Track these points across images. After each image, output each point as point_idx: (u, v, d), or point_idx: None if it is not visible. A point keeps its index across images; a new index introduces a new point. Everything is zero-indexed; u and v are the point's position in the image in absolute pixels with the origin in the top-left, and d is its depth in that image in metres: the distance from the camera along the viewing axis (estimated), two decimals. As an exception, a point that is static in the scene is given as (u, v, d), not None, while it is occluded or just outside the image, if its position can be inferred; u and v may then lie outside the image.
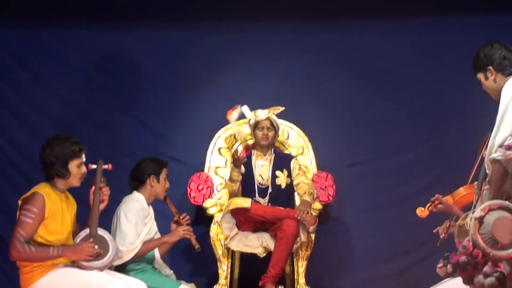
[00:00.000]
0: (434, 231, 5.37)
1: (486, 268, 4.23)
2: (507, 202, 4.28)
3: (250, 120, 6.90)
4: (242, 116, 6.93)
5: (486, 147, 4.88)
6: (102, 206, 5.57)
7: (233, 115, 6.90)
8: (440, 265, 4.41)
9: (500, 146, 4.39)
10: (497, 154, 4.41)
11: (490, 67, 4.66)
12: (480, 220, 4.19)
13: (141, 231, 5.99)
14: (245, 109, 6.88)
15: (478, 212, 4.21)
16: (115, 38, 7.43)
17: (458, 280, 5.21)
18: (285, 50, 7.44)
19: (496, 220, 4.19)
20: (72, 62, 7.41)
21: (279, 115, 6.92)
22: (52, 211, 5.35)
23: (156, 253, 6.17)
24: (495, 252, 4.18)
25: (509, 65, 4.65)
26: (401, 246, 7.14)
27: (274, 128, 6.89)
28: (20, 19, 7.31)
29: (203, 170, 7.00)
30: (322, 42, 7.41)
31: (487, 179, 4.56)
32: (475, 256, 4.20)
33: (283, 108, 6.91)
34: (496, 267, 4.22)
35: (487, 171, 4.52)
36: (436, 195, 5.37)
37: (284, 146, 7.14)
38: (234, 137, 7.05)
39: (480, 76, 4.73)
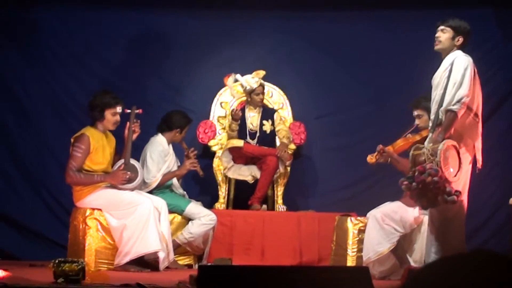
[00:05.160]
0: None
1: (448, 189, 4.23)
2: (455, 142, 4.35)
3: (246, 87, 6.72)
4: (236, 81, 6.78)
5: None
6: (134, 136, 5.56)
7: (229, 80, 6.80)
8: (405, 182, 4.35)
9: (458, 101, 4.33)
10: (455, 107, 4.36)
11: (462, 37, 4.58)
12: (445, 152, 4.24)
13: (162, 167, 5.98)
14: (238, 76, 6.75)
15: (442, 146, 4.25)
16: (149, 19, 7.25)
17: (396, 203, 5.20)
18: (269, 32, 7.26)
19: (451, 153, 4.30)
20: (117, 37, 7.25)
21: (265, 79, 6.81)
22: (95, 147, 5.34)
23: (174, 180, 6.15)
24: (451, 177, 4.28)
25: (466, 45, 4.61)
26: (354, 177, 7.07)
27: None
28: (78, 2, 7.14)
29: (208, 118, 6.95)
30: (296, 26, 7.24)
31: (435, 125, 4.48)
32: (441, 178, 4.18)
33: (264, 72, 6.75)
34: (454, 188, 4.27)
35: (441, 118, 4.42)
36: (380, 146, 5.31)
37: (269, 102, 7.05)
38: (232, 95, 6.94)
39: (450, 32, 4.58)
